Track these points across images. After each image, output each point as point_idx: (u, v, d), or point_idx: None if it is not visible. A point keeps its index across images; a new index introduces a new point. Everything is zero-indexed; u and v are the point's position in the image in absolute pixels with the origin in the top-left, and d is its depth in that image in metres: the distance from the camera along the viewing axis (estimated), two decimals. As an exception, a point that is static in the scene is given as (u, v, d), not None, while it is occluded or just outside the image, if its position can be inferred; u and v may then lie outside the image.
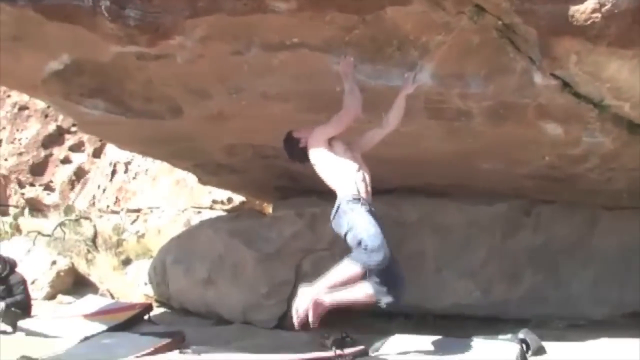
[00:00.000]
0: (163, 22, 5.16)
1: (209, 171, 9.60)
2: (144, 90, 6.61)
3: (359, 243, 4.80)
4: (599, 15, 4.56)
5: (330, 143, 5.29)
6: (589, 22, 4.60)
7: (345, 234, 4.94)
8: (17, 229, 14.44)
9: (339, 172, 5.23)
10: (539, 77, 5.33)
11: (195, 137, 7.70)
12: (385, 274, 4.90)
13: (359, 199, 5.04)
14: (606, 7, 4.52)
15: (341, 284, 4.82)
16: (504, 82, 5.47)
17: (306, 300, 4.74)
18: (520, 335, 6.24)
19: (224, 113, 6.67)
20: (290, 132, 5.55)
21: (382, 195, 8.47)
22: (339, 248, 7.84)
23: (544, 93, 5.51)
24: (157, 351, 6.71)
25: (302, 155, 5.44)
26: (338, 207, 5.05)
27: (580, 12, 4.59)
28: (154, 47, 5.52)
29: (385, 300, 4.94)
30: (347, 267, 4.80)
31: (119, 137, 8.78)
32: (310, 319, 4.72)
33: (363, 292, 4.88)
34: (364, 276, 4.85)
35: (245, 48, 5.54)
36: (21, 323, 8.82)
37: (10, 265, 9.67)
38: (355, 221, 4.90)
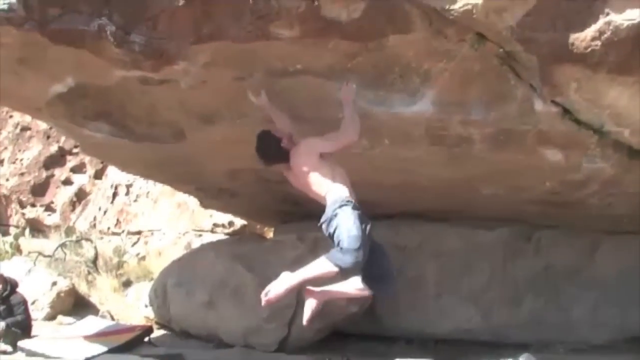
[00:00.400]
0: (167, 48, 5.20)
1: (211, 195, 9.64)
2: (147, 115, 6.65)
3: (338, 243, 4.85)
4: (598, 43, 4.61)
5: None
6: (589, 50, 4.66)
7: (332, 235, 4.99)
8: (17, 249, 14.42)
9: (332, 178, 5.24)
10: (540, 104, 5.38)
11: (198, 161, 7.72)
12: (374, 268, 5.00)
13: (351, 201, 5.08)
14: (606, 35, 4.57)
15: (315, 280, 4.90)
16: (505, 109, 5.50)
17: (280, 286, 4.89)
18: (522, 359, 6.25)
19: (228, 138, 6.69)
20: (269, 131, 5.48)
21: (382, 220, 8.54)
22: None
23: (544, 120, 5.54)
24: (157, 373, 6.75)
25: (279, 155, 5.41)
26: (332, 211, 5.05)
27: (581, 40, 4.64)
28: (158, 72, 5.56)
29: (376, 293, 5.10)
30: (321, 264, 4.84)
31: (122, 160, 8.82)
32: (306, 317, 4.98)
33: (352, 286, 4.99)
34: (342, 274, 4.90)
35: (248, 74, 5.58)
36: (21, 343, 8.86)
37: (12, 285, 9.72)
38: (341, 222, 4.93)
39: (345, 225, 4.90)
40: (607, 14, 4.52)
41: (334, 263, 4.76)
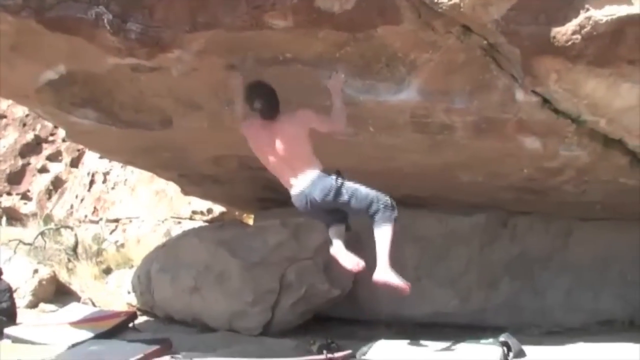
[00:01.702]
0: (163, 36, 5.32)
1: (193, 181, 9.74)
2: (134, 102, 6.75)
3: (371, 203, 5.36)
4: (578, 36, 4.82)
5: None
6: (569, 43, 4.86)
7: (349, 201, 5.39)
8: (-6, 238, 14.38)
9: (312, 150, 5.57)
10: (521, 94, 5.56)
11: (184, 147, 7.82)
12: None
13: (339, 172, 5.51)
14: (586, 30, 4.79)
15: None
16: (487, 98, 5.68)
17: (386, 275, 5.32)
18: (502, 338, 6.43)
19: (214, 125, 6.80)
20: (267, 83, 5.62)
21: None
22: (322, 257, 8.12)
23: (524, 109, 5.73)
24: (146, 357, 6.76)
25: (272, 105, 5.57)
26: (334, 181, 5.42)
27: (562, 33, 4.85)
28: (152, 60, 5.67)
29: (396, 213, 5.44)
30: (388, 231, 5.32)
31: (107, 147, 8.87)
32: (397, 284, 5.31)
33: (391, 227, 5.36)
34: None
35: (239, 62, 5.72)
36: (7, 330, 8.82)
37: (-4, 272, 9.72)
38: (354, 188, 5.43)
39: (361, 189, 5.43)
40: (587, 10, 4.73)
41: (391, 220, 5.31)
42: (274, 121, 5.56)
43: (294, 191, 5.60)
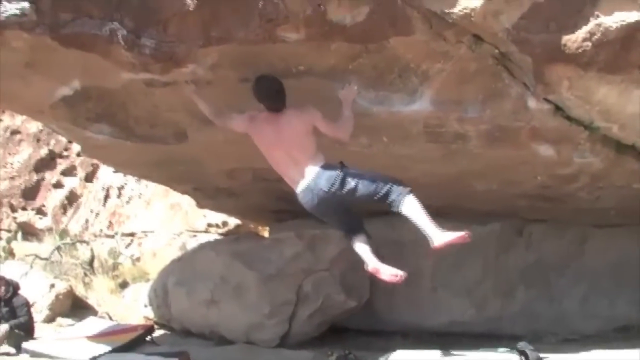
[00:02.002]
0: (177, 51, 5.35)
1: (208, 195, 9.77)
2: (149, 116, 6.78)
3: (380, 184, 5.35)
4: (589, 44, 4.85)
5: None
6: (580, 50, 4.89)
7: (356, 187, 5.36)
8: (10, 253, 14.47)
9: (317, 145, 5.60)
10: (533, 102, 5.59)
11: (198, 161, 7.84)
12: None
13: (342, 163, 5.53)
14: (596, 37, 4.81)
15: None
16: (499, 107, 5.71)
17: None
18: (519, 346, 6.43)
19: (228, 138, 6.81)
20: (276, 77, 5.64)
21: (380, 216, 8.73)
22: (339, 268, 8.15)
23: (537, 116, 5.75)
24: (164, 370, 6.88)
25: (280, 98, 5.57)
26: (339, 171, 5.43)
27: (572, 41, 4.87)
28: (167, 75, 5.71)
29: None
30: (412, 202, 5.36)
31: (122, 161, 8.90)
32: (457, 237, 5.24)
33: (412, 197, 5.39)
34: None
35: (252, 75, 5.71)
36: (25, 345, 8.91)
37: (14, 287, 9.78)
38: (359, 174, 5.44)
39: (367, 173, 5.45)
40: (597, 17, 4.75)
41: (408, 193, 5.35)
42: (279, 115, 5.59)
43: (299, 188, 5.61)
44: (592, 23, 4.78)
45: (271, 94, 5.55)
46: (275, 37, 5.17)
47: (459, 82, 5.56)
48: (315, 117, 5.57)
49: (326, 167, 5.49)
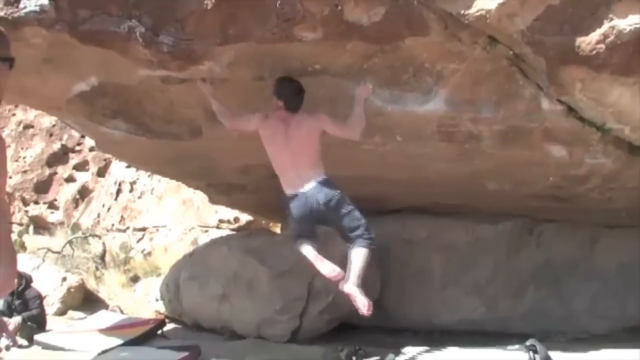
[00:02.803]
0: (195, 48, 5.43)
1: (221, 191, 9.82)
2: (165, 112, 6.85)
3: (359, 227, 5.76)
4: (603, 46, 4.88)
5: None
6: (593, 52, 4.92)
7: (344, 216, 5.77)
8: (22, 247, 14.58)
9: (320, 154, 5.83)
10: (546, 103, 5.63)
11: (213, 157, 7.91)
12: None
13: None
14: (610, 39, 4.84)
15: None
16: (513, 108, 5.75)
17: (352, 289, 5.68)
18: (529, 343, 6.46)
19: (243, 135, 6.87)
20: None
21: (390, 214, 8.82)
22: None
23: (550, 117, 5.79)
24: (176, 364, 6.92)
25: (300, 99, 5.77)
26: (336, 190, 5.71)
27: (586, 43, 4.90)
28: (183, 72, 5.79)
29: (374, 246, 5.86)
30: (365, 253, 5.73)
31: (137, 157, 9.00)
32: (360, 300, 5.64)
33: (368, 252, 5.77)
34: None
35: (268, 74, 5.83)
36: (37, 337, 8.96)
37: (26, 280, 9.89)
38: (352, 207, 5.81)
39: (357, 212, 5.78)
40: (611, 19, 4.78)
41: (369, 248, 5.75)
42: (293, 115, 5.77)
43: (294, 191, 5.81)
44: (606, 25, 4.81)
45: (293, 92, 5.74)
46: (292, 36, 5.23)
47: (473, 83, 5.61)
48: (324, 122, 5.74)
49: (325, 183, 5.73)
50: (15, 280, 3.41)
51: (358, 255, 5.72)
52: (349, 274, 5.70)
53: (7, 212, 2.09)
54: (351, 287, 5.64)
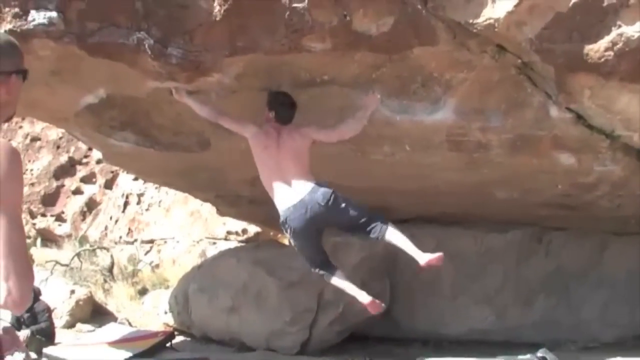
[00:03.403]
0: (203, 60, 5.44)
1: (229, 202, 9.81)
2: (173, 124, 6.85)
3: (364, 213, 5.70)
4: (611, 53, 4.89)
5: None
6: (602, 60, 4.93)
7: (347, 208, 5.67)
8: (29, 259, 14.52)
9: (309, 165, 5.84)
10: (555, 111, 5.64)
11: (221, 169, 7.89)
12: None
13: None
14: (618, 46, 4.85)
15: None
16: (522, 116, 5.76)
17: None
18: (540, 353, 6.44)
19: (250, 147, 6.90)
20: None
21: (399, 224, 8.77)
22: (359, 276, 8.17)
23: (559, 125, 5.80)
24: (186, 376, 6.92)
25: (292, 112, 5.82)
26: (330, 191, 5.64)
27: (595, 50, 4.92)
28: (192, 83, 5.79)
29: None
30: (394, 232, 5.69)
31: (145, 169, 9.00)
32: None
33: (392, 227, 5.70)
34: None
35: (276, 85, 5.84)
36: (46, 350, 8.97)
37: (35, 293, 9.84)
38: (347, 197, 5.72)
39: (352, 200, 5.74)
40: (619, 27, 4.80)
41: (388, 225, 5.66)
42: (284, 127, 5.81)
43: (290, 203, 5.74)
44: (614, 33, 4.83)
45: (286, 104, 5.79)
46: (301, 47, 5.25)
47: (482, 92, 5.63)
48: (314, 131, 5.83)
49: (319, 184, 5.69)
50: (32, 296, 3.38)
51: (393, 237, 5.67)
52: (413, 254, 5.62)
53: (23, 227, 2.08)
54: (427, 257, 5.57)
